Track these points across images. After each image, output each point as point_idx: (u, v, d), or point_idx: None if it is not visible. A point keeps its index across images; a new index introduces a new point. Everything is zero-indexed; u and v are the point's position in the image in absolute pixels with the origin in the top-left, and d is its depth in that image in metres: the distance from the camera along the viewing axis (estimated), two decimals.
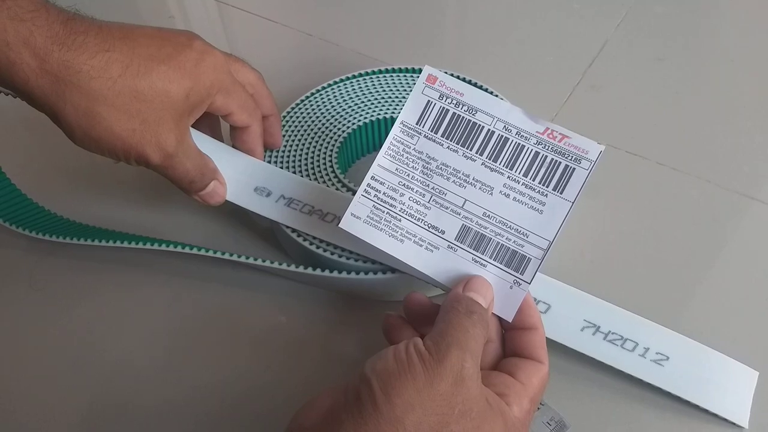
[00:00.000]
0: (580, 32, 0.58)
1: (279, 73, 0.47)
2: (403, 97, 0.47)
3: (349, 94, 0.47)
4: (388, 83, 0.48)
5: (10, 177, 0.44)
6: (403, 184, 0.33)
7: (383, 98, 0.47)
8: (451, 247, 0.32)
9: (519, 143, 0.32)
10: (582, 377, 0.36)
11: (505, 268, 0.31)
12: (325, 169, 0.43)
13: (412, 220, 0.33)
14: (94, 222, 0.44)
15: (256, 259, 0.39)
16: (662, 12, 0.60)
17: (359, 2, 0.64)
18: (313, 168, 0.43)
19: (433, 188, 0.33)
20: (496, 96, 0.45)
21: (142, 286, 0.41)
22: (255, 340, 0.39)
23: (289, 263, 0.39)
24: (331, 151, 0.44)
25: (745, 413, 0.34)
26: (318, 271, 0.38)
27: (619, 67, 0.55)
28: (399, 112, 0.33)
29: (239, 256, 0.39)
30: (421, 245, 0.32)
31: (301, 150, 0.44)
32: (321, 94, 0.47)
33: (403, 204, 0.33)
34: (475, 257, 0.32)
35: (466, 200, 0.32)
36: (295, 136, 0.45)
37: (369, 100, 0.47)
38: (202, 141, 0.39)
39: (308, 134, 0.45)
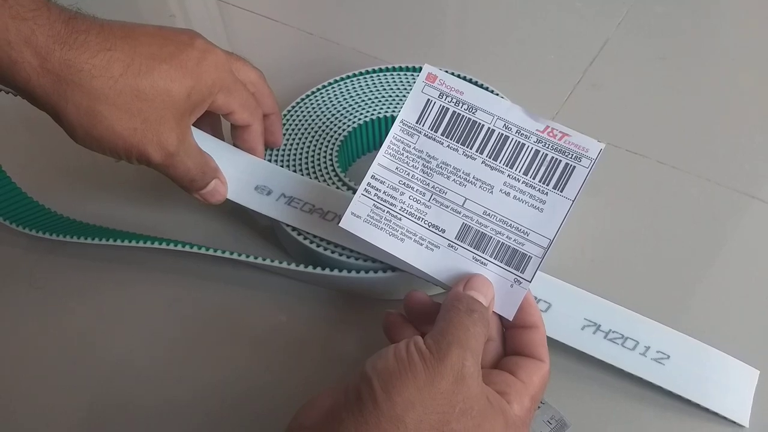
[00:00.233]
0: (581, 31, 0.58)
1: (279, 72, 0.47)
2: (404, 96, 0.47)
3: (349, 93, 0.47)
4: (388, 82, 0.48)
5: (10, 175, 0.44)
6: (404, 183, 0.33)
7: (384, 97, 0.47)
8: (452, 246, 0.32)
9: (519, 141, 0.32)
10: (582, 376, 0.36)
11: (506, 267, 0.31)
12: (326, 167, 0.43)
13: (413, 219, 0.33)
14: (95, 220, 0.44)
15: (256, 258, 0.39)
16: (663, 11, 0.60)
17: (360, 1, 0.64)
18: (313, 166, 0.43)
19: (433, 187, 0.33)
20: (497, 95, 0.45)
21: (142, 284, 0.41)
22: (255, 339, 0.39)
23: (290, 262, 0.39)
24: (332, 149, 0.44)
25: (746, 412, 0.34)
26: (318, 270, 0.38)
27: (620, 65, 0.55)
28: (399, 111, 0.33)
29: (239, 255, 0.39)
30: (421, 244, 0.32)
31: (302, 148, 0.44)
32: (321, 93, 0.47)
33: (404, 203, 0.33)
34: (475, 256, 0.32)
35: (466, 199, 0.32)
36: (296, 134, 0.45)
37: (369, 99, 0.47)
38: (203, 140, 0.39)
39: (309, 133, 0.45)
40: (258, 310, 0.40)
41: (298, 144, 0.44)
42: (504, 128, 0.32)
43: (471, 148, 0.32)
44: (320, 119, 0.46)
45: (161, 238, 0.41)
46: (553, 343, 0.33)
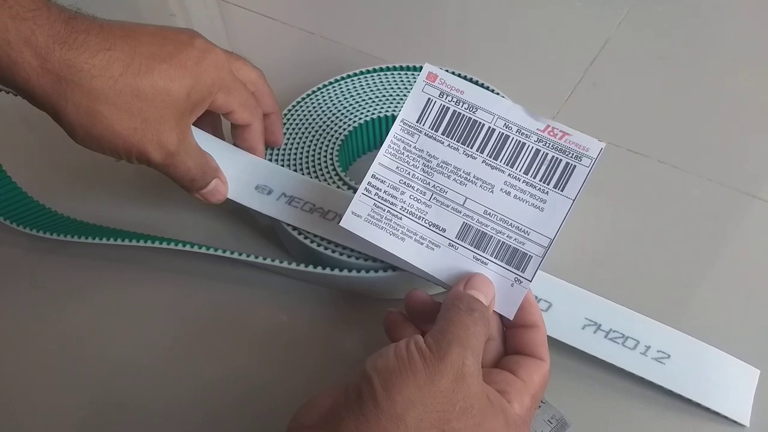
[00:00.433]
0: (582, 30, 0.58)
1: (280, 71, 0.47)
2: (404, 95, 0.47)
3: (350, 92, 0.47)
4: (389, 81, 0.48)
5: (11, 175, 0.44)
6: (404, 183, 0.33)
7: (384, 96, 0.47)
8: (452, 245, 0.32)
9: (519, 141, 0.32)
10: (583, 375, 0.36)
11: (506, 266, 0.31)
12: (326, 167, 0.43)
13: (413, 218, 0.33)
14: (95, 220, 0.45)
15: (257, 257, 0.39)
16: (664, 10, 0.60)
17: (360, 0, 0.64)
18: (314, 166, 0.43)
19: (433, 186, 0.33)
20: (497, 94, 0.45)
21: (142, 284, 0.41)
22: (256, 339, 0.39)
23: (291, 261, 0.39)
24: (332, 149, 0.44)
25: (747, 411, 0.34)
26: (319, 270, 0.38)
27: (621, 65, 0.55)
28: (400, 110, 0.33)
29: (240, 255, 0.39)
30: (422, 243, 0.32)
31: (303, 148, 0.44)
32: (322, 92, 0.47)
33: (404, 202, 0.33)
34: (476, 255, 0.32)
35: (466, 198, 0.32)
36: (296, 134, 0.45)
37: (370, 98, 0.47)
38: (203, 139, 0.39)
39: (309, 132, 0.45)
40: (259, 309, 0.40)
41: (298, 143, 0.44)
42: (504, 127, 0.32)
43: (471, 148, 0.32)
44: (321, 118, 0.46)
45: (162, 237, 0.41)
46: (553, 343, 0.33)
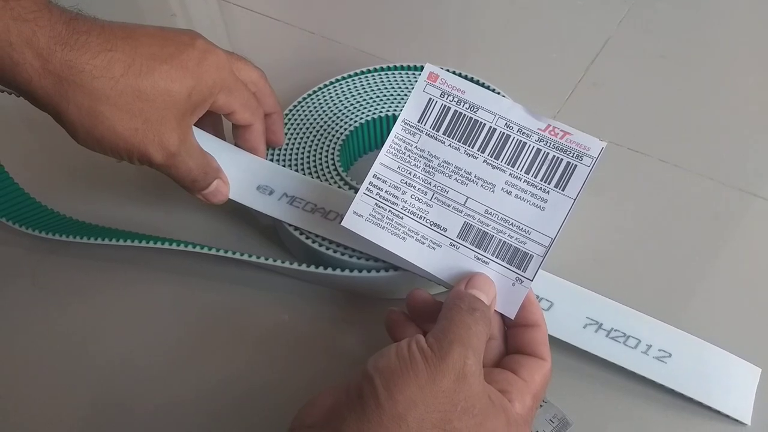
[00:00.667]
0: (583, 29, 0.58)
1: (281, 71, 0.47)
2: (406, 95, 0.47)
3: (351, 92, 0.47)
4: (390, 81, 0.48)
5: (12, 176, 0.44)
6: (405, 182, 0.33)
7: (385, 96, 0.47)
8: (453, 245, 0.32)
9: (520, 140, 0.32)
10: (584, 374, 0.36)
11: (508, 266, 0.31)
12: (328, 166, 0.43)
13: (414, 218, 0.33)
14: (97, 220, 0.45)
15: (258, 258, 0.39)
16: (664, 9, 0.60)
17: (361, 0, 0.64)
18: (315, 166, 0.43)
19: (435, 186, 0.33)
20: (498, 93, 0.45)
21: (144, 284, 0.42)
22: (258, 339, 0.39)
23: (292, 261, 0.39)
24: (334, 148, 0.44)
25: (748, 410, 0.34)
26: (321, 269, 0.38)
27: (622, 64, 0.55)
28: (401, 110, 0.33)
29: (242, 255, 0.39)
30: (423, 243, 0.32)
31: (304, 148, 0.44)
32: (323, 92, 0.47)
33: (405, 202, 0.33)
34: (477, 255, 0.32)
35: (468, 198, 0.32)
36: (298, 134, 0.45)
37: (371, 98, 0.47)
38: (204, 140, 0.39)
39: (310, 132, 0.45)
40: (260, 309, 0.40)
41: (299, 143, 0.44)
42: (505, 127, 0.32)
43: (473, 147, 0.32)
44: (322, 118, 0.46)
45: (163, 237, 0.41)
46: (555, 342, 0.33)
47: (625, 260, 0.41)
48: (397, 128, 0.33)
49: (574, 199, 0.31)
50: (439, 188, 0.33)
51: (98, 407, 0.36)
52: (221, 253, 0.39)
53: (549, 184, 0.31)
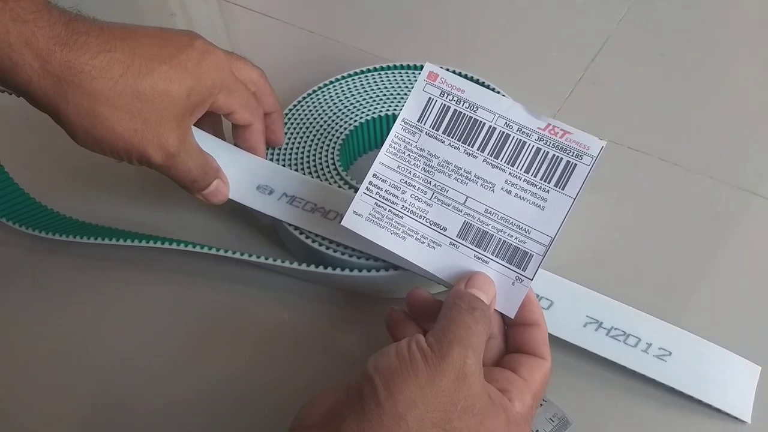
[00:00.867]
0: (583, 28, 0.58)
1: (280, 71, 0.47)
2: (405, 94, 0.47)
3: (351, 92, 0.47)
4: (390, 80, 0.48)
5: (12, 176, 0.44)
6: (405, 182, 0.33)
7: (385, 95, 0.47)
8: (453, 244, 0.32)
9: (520, 139, 0.32)
10: (584, 373, 0.36)
11: (507, 265, 0.31)
12: (328, 166, 0.43)
13: (414, 217, 0.33)
14: (97, 220, 0.45)
15: (258, 257, 0.39)
16: (664, 7, 0.60)
17: None
18: (315, 165, 0.43)
19: (434, 185, 0.33)
20: (498, 92, 0.45)
21: (144, 284, 0.42)
22: (258, 338, 0.39)
23: (292, 261, 0.39)
24: (334, 148, 0.44)
25: (748, 408, 0.34)
26: (321, 269, 0.38)
27: (622, 62, 0.55)
28: (401, 109, 0.33)
29: (242, 254, 0.39)
30: (423, 242, 0.32)
31: (303, 147, 0.44)
32: (323, 92, 0.47)
33: (405, 201, 0.33)
34: (477, 254, 0.32)
35: (467, 197, 0.32)
36: (297, 133, 0.45)
37: (371, 97, 0.47)
38: (204, 140, 0.39)
39: (310, 132, 0.45)
40: (260, 309, 0.40)
41: (299, 143, 0.44)
42: (505, 126, 0.32)
43: (472, 147, 0.32)
44: (322, 118, 0.46)
45: (163, 237, 0.41)
46: (555, 341, 0.33)
47: (625, 259, 0.41)
48: (396, 128, 0.33)
49: (574, 198, 0.31)
50: (438, 187, 0.33)
51: (98, 407, 0.36)
52: (221, 252, 0.39)
53: (549, 183, 0.31)
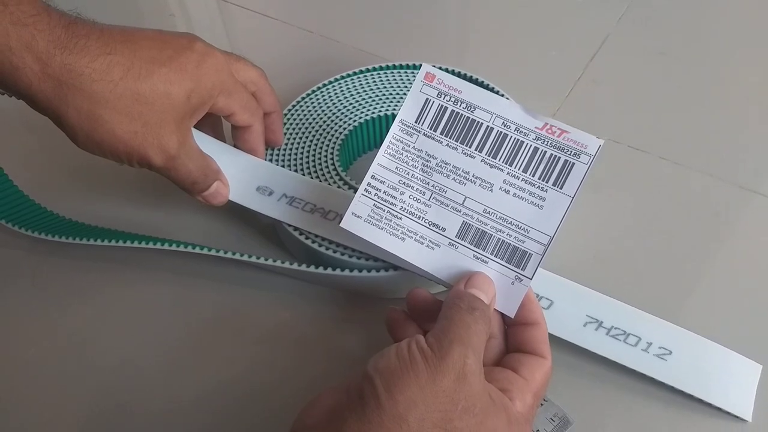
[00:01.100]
0: (582, 26, 0.58)
1: (279, 71, 0.47)
2: (405, 94, 0.47)
3: (350, 91, 0.47)
4: (389, 80, 0.48)
5: (11, 178, 0.44)
6: (404, 183, 0.33)
7: (384, 95, 0.47)
8: (452, 245, 0.32)
9: (518, 139, 0.32)
10: (585, 373, 0.36)
11: (507, 264, 0.31)
12: (327, 166, 0.43)
13: (413, 218, 0.33)
14: (96, 222, 0.45)
15: (258, 258, 0.39)
16: (664, 5, 0.59)
17: None
18: (314, 166, 0.43)
19: (433, 186, 0.33)
20: (498, 91, 0.45)
21: (144, 285, 0.42)
22: (258, 339, 0.39)
23: (292, 262, 0.39)
24: (333, 148, 0.44)
25: (749, 407, 0.34)
26: (321, 270, 0.38)
27: (621, 61, 0.55)
28: (400, 109, 0.33)
29: (242, 255, 0.39)
30: (422, 243, 0.33)
31: (303, 148, 0.44)
32: (322, 92, 0.47)
33: (404, 202, 0.33)
34: (476, 254, 0.32)
35: (466, 197, 0.32)
36: (297, 134, 0.45)
37: (370, 97, 0.47)
38: (203, 141, 0.39)
39: (309, 132, 0.45)
40: (261, 309, 0.40)
41: (298, 143, 0.44)
42: (503, 126, 0.32)
43: (470, 147, 0.32)
44: (321, 118, 0.46)
45: (163, 239, 0.41)
46: (555, 341, 0.33)
47: (624, 258, 0.41)
48: (394, 129, 0.33)
49: (572, 197, 0.31)
50: (437, 188, 0.33)
51: (98, 408, 0.36)
52: (221, 253, 0.39)
53: (547, 182, 0.31)
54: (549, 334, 0.31)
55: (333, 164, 0.43)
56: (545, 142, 0.32)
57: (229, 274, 0.41)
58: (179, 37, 0.35)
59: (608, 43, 0.56)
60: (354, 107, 0.46)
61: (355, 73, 0.48)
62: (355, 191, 0.34)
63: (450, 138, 0.33)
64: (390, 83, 0.48)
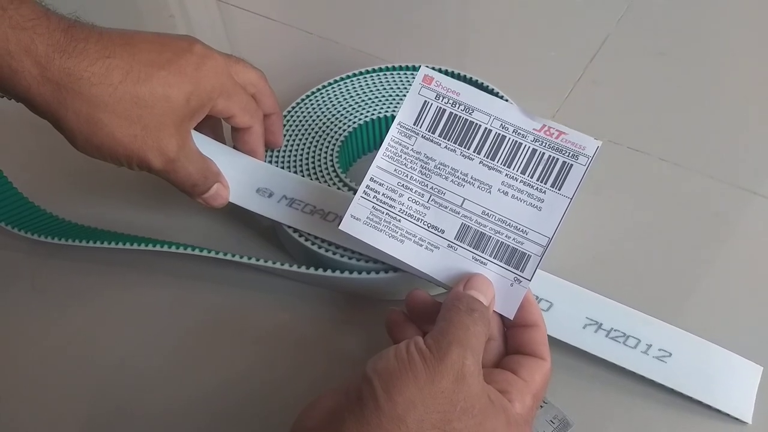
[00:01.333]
0: (582, 27, 0.58)
1: (279, 72, 0.47)
2: (404, 95, 0.47)
3: (349, 93, 0.47)
4: (388, 81, 0.48)
5: (11, 180, 0.44)
6: (402, 185, 0.33)
7: (384, 96, 0.47)
8: (451, 246, 0.32)
9: (516, 141, 0.32)
10: (585, 375, 0.36)
11: (506, 266, 0.31)
12: (326, 168, 0.43)
13: (412, 220, 0.33)
14: (96, 224, 0.45)
15: (258, 260, 0.39)
16: (663, 6, 0.59)
17: (359, 0, 0.64)
18: (314, 167, 0.43)
19: (431, 188, 0.33)
20: (497, 93, 0.45)
21: (144, 287, 0.42)
22: (258, 341, 0.39)
23: (292, 263, 0.39)
24: (332, 150, 0.44)
25: (749, 409, 0.34)
26: (320, 271, 0.38)
27: (621, 61, 0.55)
28: (398, 112, 0.33)
29: (241, 257, 0.39)
30: (421, 245, 0.33)
31: (302, 149, 0.44)
32: (321, 93, 0.48)
33: (403, 204, 0.33)
34: (475, 256, 0.32)
35: (464, 199, 0.32)
36: (296, 135, 0.45)
37: (370, 99, 0.47)
38: (203, 143, 0.39)
39: (309, 133, 0.45)
40: (260, 311, 0.40)
41: (298, 145, 0.44)
42: (501, 128, 0.32)
43: (468, 149, 0.32)
44: (320, 119, 0.46)
45: (163, 240, 0.41)
46: (554, 342, 0.33)
47: (624, 259, 0.41)
48: (392, 131, 0.33)
49: (571, 199, 0.31)
50: (435, 190, 0.33)
51: (98, 410, 0.36)
52: (221, 255, 0.39)
53: (545, 183, 0.31)
54: (548, 336, 0.31)
55: (333, 166, 0.43)
56: (543, 144, 0.32)
57: (228, 275, 0.41)
58: (178, 39, 0.35)
59: (608, 44, 0.56)
60: (353, 109, 0.46)
61: (354, 75, 0.48)
62: (355, 193, 0.34)
63: (448, 140, 0.33)
64: (390, 85, 0.48)
